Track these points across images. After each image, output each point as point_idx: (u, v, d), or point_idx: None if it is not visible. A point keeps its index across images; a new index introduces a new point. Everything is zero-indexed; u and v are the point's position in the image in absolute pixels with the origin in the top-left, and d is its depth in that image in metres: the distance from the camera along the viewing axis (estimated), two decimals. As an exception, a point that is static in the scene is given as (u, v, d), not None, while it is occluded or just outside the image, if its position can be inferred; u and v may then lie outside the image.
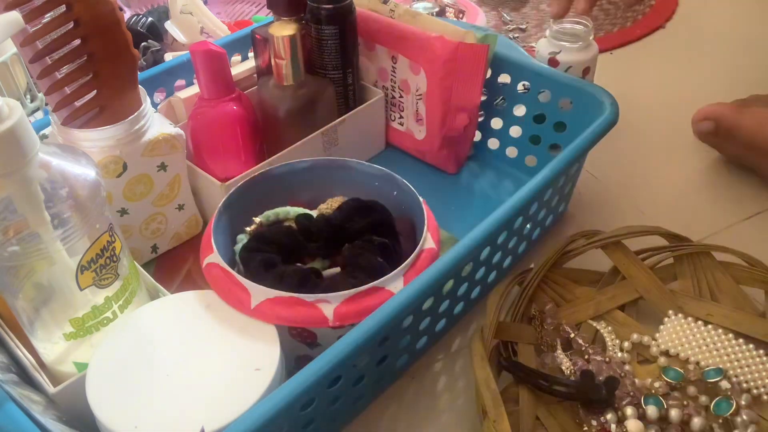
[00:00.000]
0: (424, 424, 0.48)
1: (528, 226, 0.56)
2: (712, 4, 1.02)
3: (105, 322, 0.43)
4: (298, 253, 0.50)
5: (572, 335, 0.50)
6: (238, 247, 0.49)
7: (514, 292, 0.52)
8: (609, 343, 0.50)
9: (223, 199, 0.51)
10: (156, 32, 0.87)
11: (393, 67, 0.67)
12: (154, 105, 0.64)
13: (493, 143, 0.70)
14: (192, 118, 0.59)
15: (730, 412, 0.44)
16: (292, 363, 0.47)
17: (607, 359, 0.48)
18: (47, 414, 0.40)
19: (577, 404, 0.46)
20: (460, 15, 0.94)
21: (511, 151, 0.69)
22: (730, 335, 0.49)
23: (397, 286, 0.44)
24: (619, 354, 0.49)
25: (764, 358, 0.48)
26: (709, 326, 0.50)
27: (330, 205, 0.53)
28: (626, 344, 0.50)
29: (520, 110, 0.66)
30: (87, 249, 0.40)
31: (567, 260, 0.54)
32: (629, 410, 0.44)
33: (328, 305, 0.43)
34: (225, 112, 0.58)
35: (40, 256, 0.38)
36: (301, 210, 0.52)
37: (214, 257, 0.46)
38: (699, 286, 0.52)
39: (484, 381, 0.43)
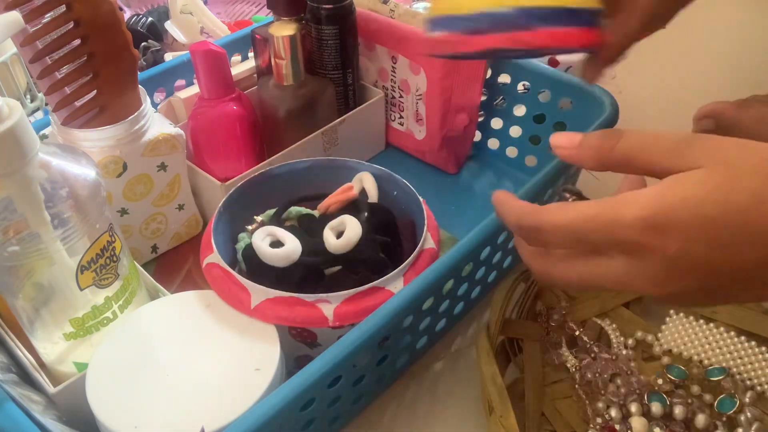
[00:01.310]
0: (424, 424, 0.48)
1: (528, 225, 0.56)
2: (712, 4, 1.02)
3: (105, 322, 0.43)
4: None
5: (577, 332, 0.50)
6: (241, 245, 0.49)
7: (519, 288, 0.52)
8: (614, 341, 0.50)
9: (223, 199, 0.51)
10: (156, 32, 0.87)
11: (393, 67, 0.67)
12: (154, 105, 0.64)
13: (493, 143, 0.70)
14: (192, 118, 0.59)
15: (734, 409, 0.44)
16: (292, 363, 0.47)
17: (613, 356, 0.48)
18: (47, 414, 0.40)
19: (584, 400, 0.46)
20: (460, 15, 0.93)
21: (511, 151, 0.69)
22: (733, 333, 0.49)
23: (397, 285, 0.44)
24: (624, 351, 0.49)
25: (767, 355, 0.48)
26: (711, 324, 0.50)
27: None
28: (630, 341, 0.50)
29: (520, 110, 0.66)
30: (87, 249, 0.40)
31: (571, 258, 0.54)
32: (634, 407, 0.44)
33: (328, 305, 0.43)
34: (225, 112, 0.58)
35: (40, 256, 0.38)
36: (304, 210, 0.52)
37: (214, 257, 0.46)
38: (702, 284, 0.52)
39: (491, 377, 0.43)
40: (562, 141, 0.35)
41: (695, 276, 0.29)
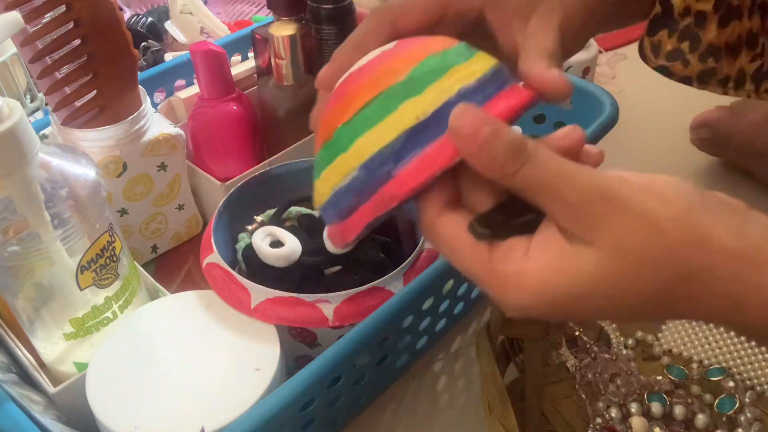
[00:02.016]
0: (424, 424, 0.48)
1: (528, 225, 0.56)
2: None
3: (105, 322, 0.43)
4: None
5: (577, 332, 0.50)
6: (240, 245, 0.49)
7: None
8: (614, 341, 0.50)
9: (223, 199, 0.51)
10: (156, 32, 0.87)
11: (393, 67, 0.67)
12: (154, 105, 0.64)
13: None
14: (192, 118, 0.59)
15: (734, 409, 0.44)
16: (292, 363, 0.47)
17: (613, 356, 0.48)
18: (47, 414, 0.40)
19: (584, 401, 0.46)
20: (460, 15, 0.93)
21: (511, 151, 0.69)
22: (733, 333, 0.49)
23: (397, 285, 0.44)
24: (624, 351, 0.50)
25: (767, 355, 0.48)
26: (711, 324, 0.50)
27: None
28: (630, 341, 0.50)
29: (520, 110, 0.66)
30: (87, 249, 0.40)
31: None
32: (634, 407, 0.44)
33: (328, 305, 0.43)
34: (225, 112, 0.58)
35: (40, 256, 0.38)
36: (304, 210, 0.52)
37: (214, 257, 0.46)
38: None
39: (491, 376, 0.43)
40: (466, 124, 0.26)
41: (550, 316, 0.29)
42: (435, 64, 0.29)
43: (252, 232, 0.50)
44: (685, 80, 0.45)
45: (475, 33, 0.36)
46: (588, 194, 0.26)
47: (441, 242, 0.29)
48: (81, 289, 0.41)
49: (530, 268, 0.27)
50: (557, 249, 0.26)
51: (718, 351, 0.49)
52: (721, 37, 0.42)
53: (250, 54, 0.72)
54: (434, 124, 0.27)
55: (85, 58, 0.48)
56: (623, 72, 0.88)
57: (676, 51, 0.43)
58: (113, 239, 0.42)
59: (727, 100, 0.69)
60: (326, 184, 0.30)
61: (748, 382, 0.47)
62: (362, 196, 0.29)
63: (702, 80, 0.44)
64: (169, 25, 0.84)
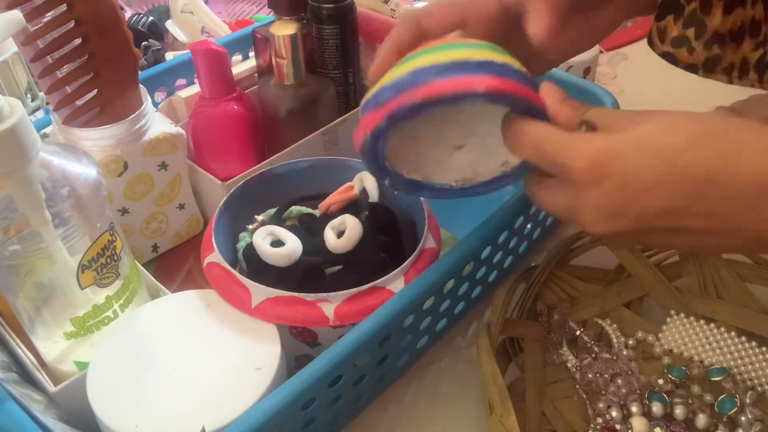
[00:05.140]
0: (424, 424, 0.48)
1: (529, 225, 0.56)
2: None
3: (106, 321, 0.43)
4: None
5: (578, 332, 0.50)
6: (241, 245, 0.49)
7: (520, 288, 0.52)
8: (614, 341, 0.50)
9: (224, 199, 0.51)
10: (157, 31, 0.87)
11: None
12: (155, 104, 0.64)
13: (494, 143, 0.70)
14: (193, 118, 0.59)
15: (734, 410, 0.44)
16: (292, 362, 0.47)
17: (614, 356, 0.48)
18: (48, 413, 0.40)
19: (585, 401, 0.46)
20: (461, 14, 0.93)
21: (512, 151, 0.69)
22: (733, 333, 0.49)
23: (398, 285, 0.44)
24: (625, 351, 0.49)
25: None
26: (712, 324, 0.50)
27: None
28: (631, 341, 0.50)
29: (521, 110, 0.66)
30: (88, 248, 0.40)
31: (573, 257, 0.54)
32: (634, 407, 0.44)
33: (329, 305, 0.43)
34: (226, 111, 0.58)
35: (40, 255, 0.38)
36: (305, 209, 0.52)
37: (214, 256, 0.46)
38: (704, 284, 0.52)
39: (491, 376, 0.43)
40: (555, 93, 0.36)
41: (629, 213, 0.32)
42: (483, 44, 0.37)
43: (253, 232, 0.50)
44: (691, 68, 0.45)
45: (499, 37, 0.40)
46: (637, 114, 0.34)
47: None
48: (82, 288, 0.41)
49: (597, 135, 0.33)
50: (618, 129, 0.33)
51: (718, 351, 0.49)
52: (726, 24, 0.42)
53: (251, 53, 0.72)
54: (476, 66, 0.34)
55: (86, 57, 0.48)
56: (624, 72, 0.88)
57: (681, 37, 0.44)
58: (114, 238, 0.42)
59: (728, 100, 0.69)
60: (375, 87, 0.36)
61: (748, 383, 0.47)
62: (400, 92, 0.34)
63: (707, 68, 0.45)
64: (170, 25, 0.84)
